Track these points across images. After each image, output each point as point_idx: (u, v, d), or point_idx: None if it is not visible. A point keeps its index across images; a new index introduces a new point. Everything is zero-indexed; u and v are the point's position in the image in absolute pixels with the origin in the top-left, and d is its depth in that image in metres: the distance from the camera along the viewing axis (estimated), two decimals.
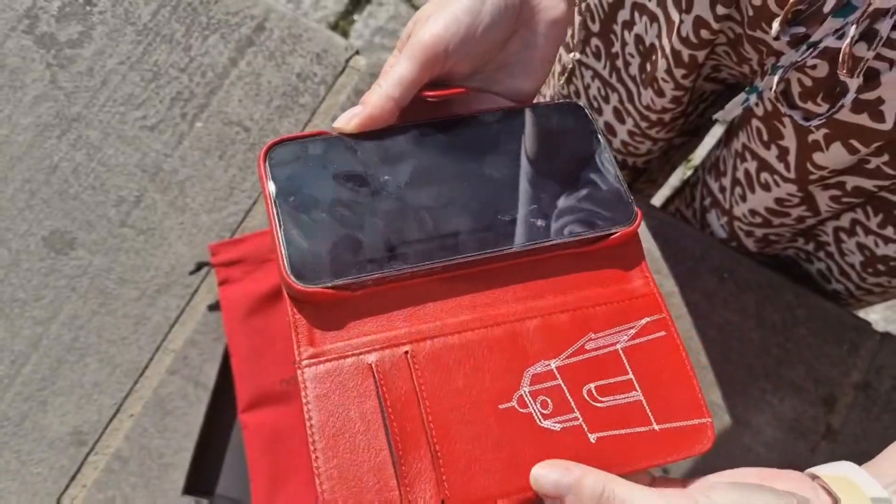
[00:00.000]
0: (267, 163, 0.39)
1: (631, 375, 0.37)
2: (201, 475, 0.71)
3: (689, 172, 0.91)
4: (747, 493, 0.34)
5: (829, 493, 0.36)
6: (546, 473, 0.34)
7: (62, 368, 0.73)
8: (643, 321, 0.39)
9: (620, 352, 0.38)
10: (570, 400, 0.37)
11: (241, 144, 0.80)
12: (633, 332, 0.39)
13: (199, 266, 0.74)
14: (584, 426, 0.36)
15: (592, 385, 0.37)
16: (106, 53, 0.81)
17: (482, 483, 0.35)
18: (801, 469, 0.38)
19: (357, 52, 0.84)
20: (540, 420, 0.36)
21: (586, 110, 0.43)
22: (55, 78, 0.80)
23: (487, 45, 0.41)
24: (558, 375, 0.37)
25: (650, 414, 0.37)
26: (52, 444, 0.72)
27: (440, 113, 0.42)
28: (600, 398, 0.37)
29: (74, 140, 0.79)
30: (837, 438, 0.74)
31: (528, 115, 0.42)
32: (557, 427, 0.36)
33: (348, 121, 0.39)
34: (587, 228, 0.39)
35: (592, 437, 0.36)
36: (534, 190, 0.40)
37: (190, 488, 0.69)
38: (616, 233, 0.39)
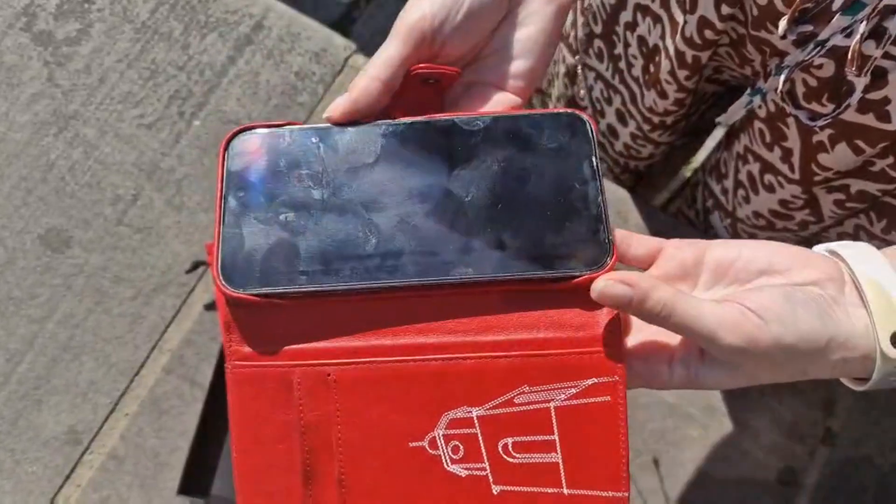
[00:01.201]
0: (226, 152, 0.37)
1: (555, 437, 0.36)
2: (197, 475, 0.70)
3: (690, 174, 0.91)
4: (793, 318, 0.35)
5: (863, 300, 0.36)
6: None
7: (57, 367, 0.73)
8: (589, 381, 0.36)
9: (552, 410, 0.36)
10: (483, 451, 0.36)
11: None
12: (573, 391, 0.36)
13: (196, 265, 0.74)
14: (489, 477, 0.36)
15: (510, 440, 0.36)
16: (104, 51, 0.81)
17: None
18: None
19: (356, 51, 0.83)
20: (447, 464, 0.36)
21: (587, 124, 0.38)
22: (52, 75, 0.80)
23: (476, 24, 0.41)
24: (477, 425, 0.36)
25: (563, 477, 0.36)
26: (46, 443, 0.71)
27: (432, 109, 0.40)
28: (515, 454, 0.36)
29: (71, 138, 0.78)
30: (836, 441, 0.74)
31: (516, 125, 0.38)
32: (463, 473, 0.36)
33: (335, 108, 0.38)
34: (549, 267, 0.36)
35: (496, 489, 0.36)
36: (499, 215, 0.37)
37: (185, 488, 0.69)
38: (582, 276, 0.36)
